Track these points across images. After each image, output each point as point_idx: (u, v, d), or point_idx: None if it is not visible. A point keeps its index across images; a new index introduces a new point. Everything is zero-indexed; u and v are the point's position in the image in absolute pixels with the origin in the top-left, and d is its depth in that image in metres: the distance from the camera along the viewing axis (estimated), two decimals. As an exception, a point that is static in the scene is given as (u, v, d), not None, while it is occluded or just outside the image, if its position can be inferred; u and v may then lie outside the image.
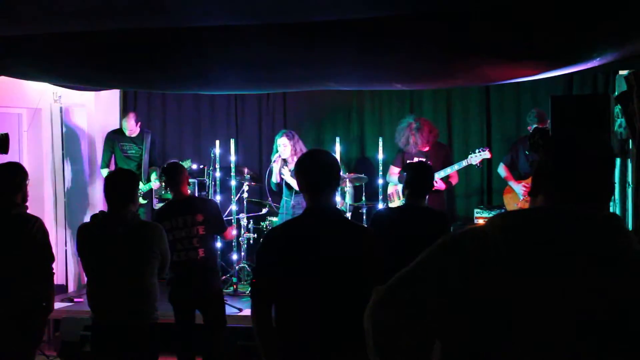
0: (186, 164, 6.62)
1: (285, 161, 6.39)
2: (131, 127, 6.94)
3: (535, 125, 6.18)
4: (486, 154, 6.14)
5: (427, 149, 6.22)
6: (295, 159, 6.28)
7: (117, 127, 7.29)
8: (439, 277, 1.44)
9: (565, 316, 1.36)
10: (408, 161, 6.24)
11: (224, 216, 4.90)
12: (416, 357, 1.46)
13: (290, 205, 6.36)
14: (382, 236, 2.88)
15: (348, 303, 2.48)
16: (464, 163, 6.16)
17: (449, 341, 1.46)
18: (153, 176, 6.97)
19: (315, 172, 2.63)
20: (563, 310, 1.36)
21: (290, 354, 2.56)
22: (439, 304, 1.42)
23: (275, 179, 6.41)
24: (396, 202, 6.41)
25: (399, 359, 1.46)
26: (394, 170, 6.40)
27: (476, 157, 6.13)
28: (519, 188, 6.36)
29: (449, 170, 6.09)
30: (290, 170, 6.28)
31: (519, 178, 6.45)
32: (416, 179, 3.93)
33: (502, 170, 6.56)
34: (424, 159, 6.10)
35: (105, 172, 6.95)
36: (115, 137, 7.03)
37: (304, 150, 6.39)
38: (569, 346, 1.35)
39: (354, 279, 2.52)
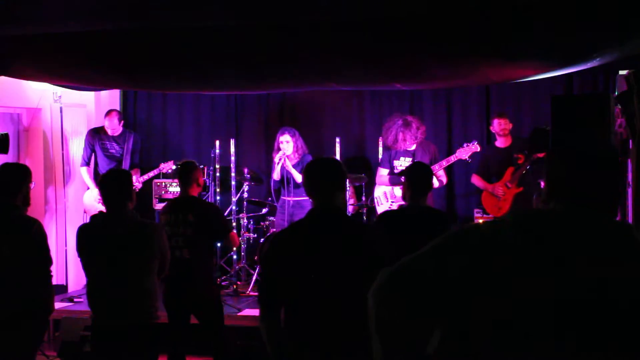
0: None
1: (287, 158, 6.39)
2: (113, 126, 6.84)
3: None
4: (475, 147, 6.04)
5: (413, 147, 6.19)
6: (297, 155, 6.34)
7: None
8: (445, 268, 1.45)
9: (567, 317, 1.36)
10: (394, 161, 6.24)
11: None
12: (415, 346, 1.46)
13: (289, 205, 6.37)
14: (388, 236, 2.92)
15: (355, 302, 2.50)
16: (452, 158, 6.10)
17: (449, 331, 1.46)
18: (133, 178, 6.82)
19: (320, 176, 2.70)
20: (565, 311, 1.36)
21: (300, 355, 2.57)
22: (442, 295, 1.43)
23: (276, 176, 6.41)
24: (385, 205, 6.36)
25: (398, 346, 1.47)
26: (383, 172, 6.37)
27: (465, 151, 6.03)
28: (497, 189, 6.27)
29: (437, 167, 6.04)
30: (294, 166, 6.29)
31: (491, 182, 6.39)
32: (417, 179, 3.94)
33: (477, 180, 6.47)
34: (410, 158, 6.08)
35: (84, 170, 6.90)
36: (96, 135, 6.93)
37: (305, 147, 6.43)
38: (569, 346, 1.36)
39: (360, 279, 2.53)
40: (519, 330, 1.38)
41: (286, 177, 6.35)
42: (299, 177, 6.14)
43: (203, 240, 4.50)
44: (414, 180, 3.93)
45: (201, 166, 7.27)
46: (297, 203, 6.39)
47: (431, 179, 4.08)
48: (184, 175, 4.58)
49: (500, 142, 6.38)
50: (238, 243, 4.84)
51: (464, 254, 1.45)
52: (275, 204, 6.73)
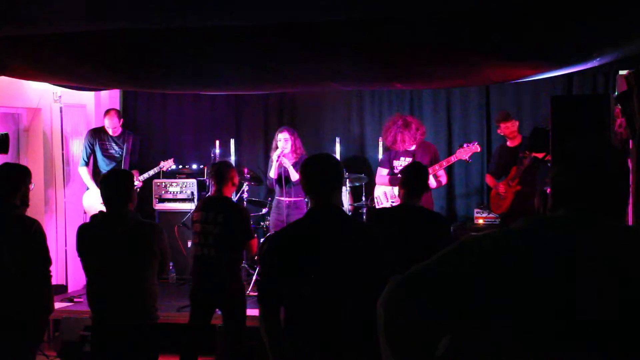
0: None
1: (284, 157, 6.39)
2: (114, 125, 6.87)
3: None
4: (475, 148, 6.06)
5: (413, 147, 6.19)
6: (295, 155, 6.34)
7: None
8: (453, 275, 1.45)
9: (569, 318, 1.36)
10: (394, 161, 6.25)
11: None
12: (424, 351, 1.47)
13: (284, 205, 6.36)
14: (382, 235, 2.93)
15: (354, 302, 2.51)
16: (452, 159, 6.12)
17: (459, 337, 1.47)
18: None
19: (319, 174, 2.68)
20: (567, 313, 1.37)
21: (300, 354, 2.58)
22: (450, 301, 1.43)
23: (272, 174, 6.40)
24: (385, 205, 6.36)
25: (407, 352, 1.47)
26: (383, 172, 6.37)
27: (464, 152, 6.05)
28: (500, 187, 6.29)
29: (437, 167, 6.05)
30: (292, 166, 6.29)
31: (499, 179, 6.44)
32: (412, 179, 3.97)
33: (488, 180, 6.58)
34: (410, 159, 6.09)
35: (83, 170, 6.90)
36: (96, 136, 6.94)
37: (303, 149, 6.43)
38: (570, 346, 1.36)
39: (359, 278, 2.54)
40: (521, 332, 1.38)
41: (284, 177, 6.34)
42: (295, 176, 6.14)
43: (230, 240, 4.57)
44: (409, 180, 3.96)
45: (201, 166, 7.30)
46: (293, 203, 6.38)
47: (426, 180, 4.13)
48: (220, 174, 4.65)
49: (511, 142, 6.43)
50: (255, 252, 4.92)
51: (471, 260, 1.46)
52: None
